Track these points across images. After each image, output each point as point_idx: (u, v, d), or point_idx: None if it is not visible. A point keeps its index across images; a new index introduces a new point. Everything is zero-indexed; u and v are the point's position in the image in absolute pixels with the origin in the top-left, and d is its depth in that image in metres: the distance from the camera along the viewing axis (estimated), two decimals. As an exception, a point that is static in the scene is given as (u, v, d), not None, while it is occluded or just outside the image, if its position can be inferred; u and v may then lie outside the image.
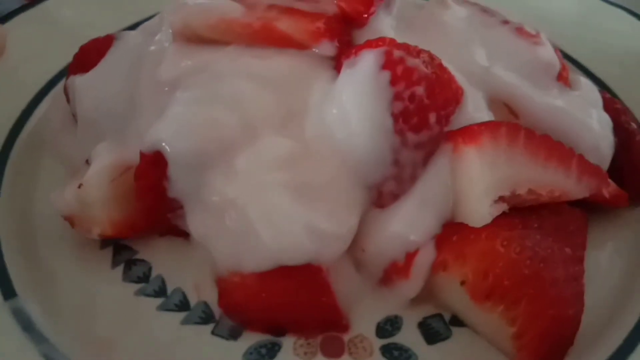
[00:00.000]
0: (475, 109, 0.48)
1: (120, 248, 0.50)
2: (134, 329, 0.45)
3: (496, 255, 0.42)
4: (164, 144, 0.45)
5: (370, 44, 0.46)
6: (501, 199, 0.43)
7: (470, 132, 0.43)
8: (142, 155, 0.46)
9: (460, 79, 0.48)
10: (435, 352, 0.44)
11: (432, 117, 0.45)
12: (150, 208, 0.47)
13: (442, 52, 0.50)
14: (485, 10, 0.56)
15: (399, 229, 0.45)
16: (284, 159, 0.45)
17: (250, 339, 0.45)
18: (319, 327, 0.45)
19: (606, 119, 0.53)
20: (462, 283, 0.42)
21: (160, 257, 0.49)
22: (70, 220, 0.48)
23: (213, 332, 0.45)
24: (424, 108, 0.44)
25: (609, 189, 0.51)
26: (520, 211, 0.45)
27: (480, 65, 0.51)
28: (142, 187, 0.46)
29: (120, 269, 0.49)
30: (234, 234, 0.44)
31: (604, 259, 0.51)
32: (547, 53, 0.52)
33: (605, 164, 0.52)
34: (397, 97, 0.44)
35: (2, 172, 0.53)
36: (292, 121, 0.47)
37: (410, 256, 0.44)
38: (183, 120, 0.46)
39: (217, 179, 0.45)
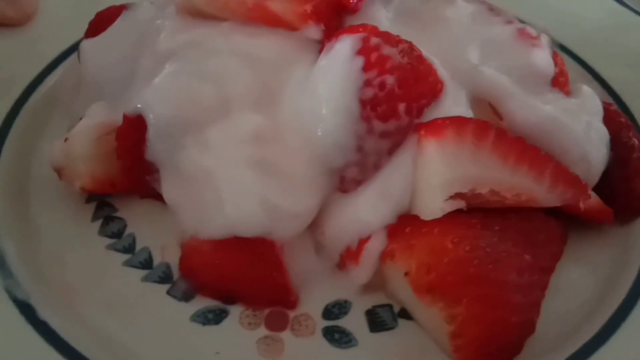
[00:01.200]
0: (454, 104, 0.47)
1: (103, 204, 0.53)
2: (98, 280, 0.47)
3: (443, 250, 0.42)
4: (146, 108, 0.47)
5: (351, 30, 0.46)
6: (459, 195, 0.43)
7: (433, 125, 0.43)
8: (125, 117, 0.48)
9: (444, 74, 0.48)
10: (375, 340, 0.45)
11: (402, 108, 0.44)
12: (130, 168, 0.50)
13: (434, 46, 0.50)
14: (492, 9, 0.55)
15: (355, 214, 0.45)
16: (251, 135, 0.46)
17: (200, 303, 0.46)
18: (267, 300, 0.46)
19: (602, 130, 0.51)
20: (406, 274, 0.42)
21: (137, 217, 0.52)
22: (58, 171, 0.51)
23: (168, 292, 0.47)
24: (394, 97, 0.44)
25: (590, 202, 0.49)
26: (484, 212, 0.45)
27: (470, 62, 0.50)
28: (122, 147, 0.49)
29: (98, 223, 0.51)
30: (197, 200, 0.46)
31: (579, 274, 0.49)
32: (542, 57, 0.50)
33: (593, 177, 0.50)
34: (367, 83, 0.44)
35: (11, 123, 0.56)
36: (269, 100, 0.48)
37: (362, 242, 0.44)
38: (166, 88, 0.48)
39: (189, 146, 0.47)
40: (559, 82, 0.51)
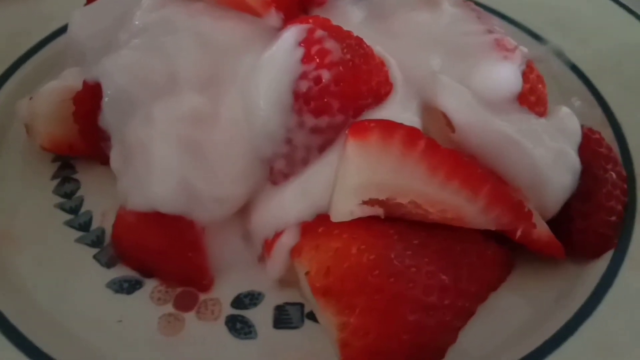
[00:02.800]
0: (402, 110, 0.45)
1: (66, 165, 0.55)
2: (36, 234, 0.49)
3: (346, 255, 0.40)
4: (102, 76, 0.49)
5: (302, 20, 0.45)
6: (375, 202, 0.41)
7: (359, 127, 0.41)
8: (85, 83, 0.50)
9: (398, 76, 0.46)
10: (275, 336, 0.44)
11: (336, 105, 0.43)
12: (86, 133, 0.51)
13: (398, 47, 0.48)
14: (480, 17, 0.52)
15: (276, 207, 0.44)
16: (189, 115, 0.46)
17: (120, 271, 0.47)
18: (181, 279, 0.46)
19: (571, 158, 0.48)
20: (307, 273, 0.41)
21: (91, 181, 0.53)
22: (26, 127, 0.53)
23: (94, 256, 0.48)
24: (328, 93, 0.43)
25: (538, 233, 0.45)
26: (409, 224, 0.43)
27: (430, 68, 0.47)
28: (79, 112, 0.51)
29: (56, 182, 0.54)
30: (131, 171, 0.47)
31: (516, 306, 0.46)
32: (508, 71, 0.47)
33: (550, 206, 0.47)
34: (303, 76, 0.43)
35: (7, 79, 0.60)
36: (215, 83, 0.47)
37: (276, 236, 0.44)
38: (123, 60, 0.49)
39: (135, 118, 0.48)
40: (528, 101, 0.48)
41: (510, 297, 0.46)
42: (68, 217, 0.51)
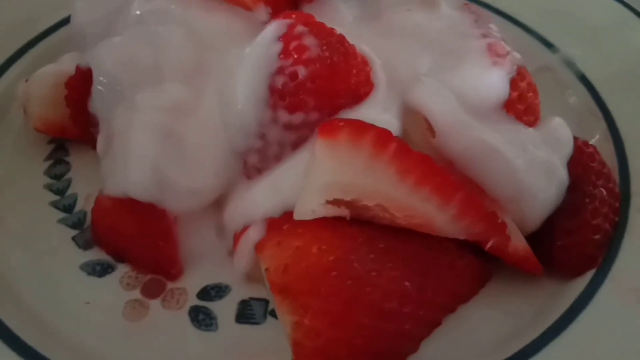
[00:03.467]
0: (381, 111, 0.45)
1: (60, 147, 0.56)
2: (20, 212, 0.50)
3: (305, 254, 0.40)
4: (93, 62, 0.50)
5: (285, 15, 0.45)
6: (341, 202, 0.40)
7: (329, 126, 0.40)
8: (77, 68, 0.51)
9: (381, 77, 0.46)
10: (235, 330, 0.44)
11: (311, 102, 0.43)
12: (77, 117, 0.52)
13: (388, 48, 0.48)
14: (476, 20, 0.51)
15: (246, 201, 0.44)
16: (169, 105, 0.46)
17: (96, 254, 0.48)
18: (150, 267, 0.47)
19: (558, 171, 0.46)
20: (266, 270, 0.41)
21: (82, 165, 0.54)
22: (24, 108, 0.55)
23: (73, 238, 0.49)
24: (304, 90, 0.43)
25: (515, 247, 0.44)
26: (378, 228, 0.42)
27: (415, 70, 0.46)
28: (70, 96, 0.52)
29: (48, 163, 0.55)
30: (111, 157, 0.47)
31: (485, 319, 0.45)
32: (495, 77, 0.45)
33: (531, 220, 0.45)
34: (279, 71, 0.43)
35: (14, 60, 0.61)
36: (201, 75, 0.48)
37: (244, 229, 0.44)
38: (113, 47, 0.50)
39: (120, 106, 0.48)
40: (516, 109, 0.46)
41: (484, 310, 0.45)
42: (54, 197, 0.52)
